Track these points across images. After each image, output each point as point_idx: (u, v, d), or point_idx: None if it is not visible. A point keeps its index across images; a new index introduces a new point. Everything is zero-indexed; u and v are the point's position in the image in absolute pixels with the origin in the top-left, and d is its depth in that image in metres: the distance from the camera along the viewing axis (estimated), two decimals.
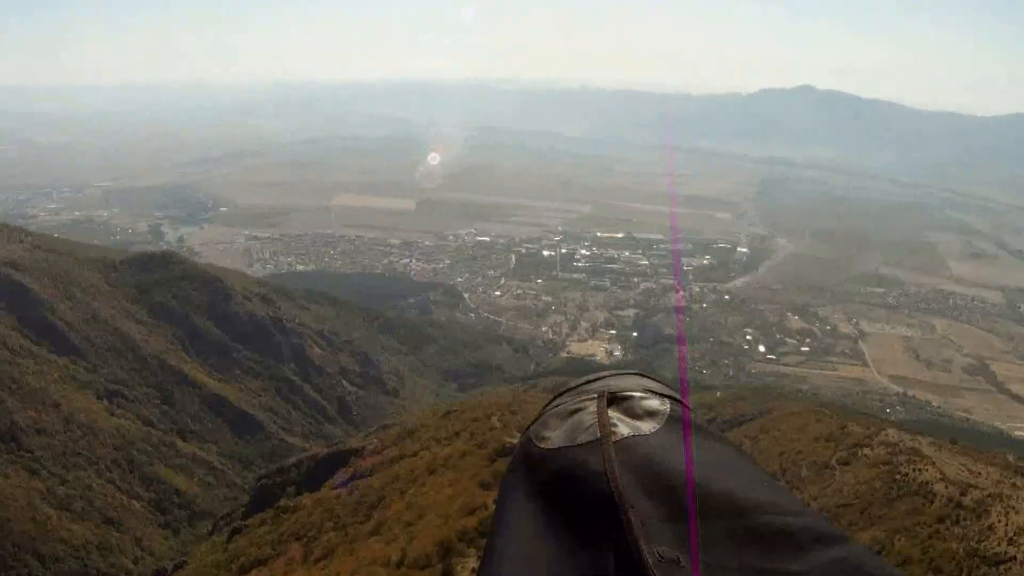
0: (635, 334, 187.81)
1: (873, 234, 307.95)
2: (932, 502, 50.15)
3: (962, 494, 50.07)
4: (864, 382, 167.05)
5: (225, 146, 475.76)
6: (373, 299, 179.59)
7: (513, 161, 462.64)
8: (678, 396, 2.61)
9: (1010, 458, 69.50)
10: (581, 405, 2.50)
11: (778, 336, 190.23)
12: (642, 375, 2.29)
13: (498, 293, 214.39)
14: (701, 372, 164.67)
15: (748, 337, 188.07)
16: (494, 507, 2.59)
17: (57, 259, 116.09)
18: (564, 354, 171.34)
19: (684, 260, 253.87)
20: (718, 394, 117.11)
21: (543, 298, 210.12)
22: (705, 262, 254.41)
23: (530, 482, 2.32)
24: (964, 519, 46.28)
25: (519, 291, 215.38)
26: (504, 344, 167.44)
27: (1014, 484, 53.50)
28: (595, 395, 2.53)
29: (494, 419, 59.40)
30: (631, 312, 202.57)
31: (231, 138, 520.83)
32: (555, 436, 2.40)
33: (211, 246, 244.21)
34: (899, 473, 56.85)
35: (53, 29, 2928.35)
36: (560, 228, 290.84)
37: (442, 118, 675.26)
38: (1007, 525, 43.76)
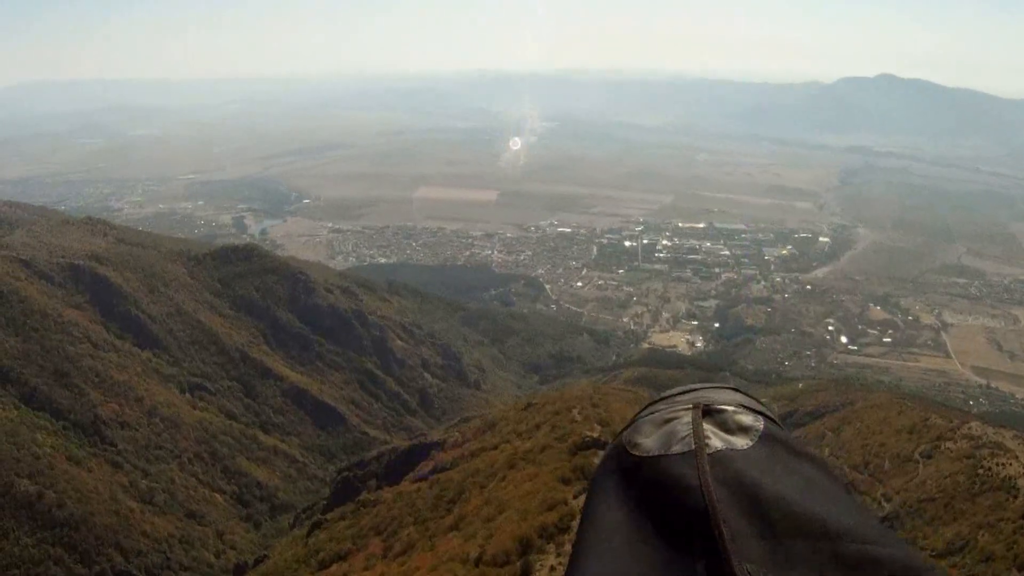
0: (716, 325, 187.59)
1: (955, 224, 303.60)
2: (1016, 498, 48.94)
3: None
4: (946, 374, 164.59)
5: (308, 138, 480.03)
6: (455, 291, 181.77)
7: (595, 152, 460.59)
8: (771, 413, 2.62)
9: None
10: (675, 415, 2.53)
11: (860, 327, 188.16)
12: (736, 390, 2.32)
13: (579, 284, 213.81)
14: (783, 363, 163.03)
15: (830, 328, 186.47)
16: (582, 507, 2.61)
17: (141, 253, 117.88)
18: (646, 345, 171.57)
19: (766, 250, 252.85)
20: (800, 385, 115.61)
21: (624, 289, 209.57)
22: (786, 252, 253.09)
23: (622, 487, 2.34)
24: None
25: (600, 282, 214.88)
26: (585, 335, 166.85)
27: None
28: (690, 405, 2.55)
29: (575, 412, 59.05)
30: (712, 303, 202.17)
31: (315, 130, 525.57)
32: (649, 444, 2.43)
33: (294, 238, 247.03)
34: (982, 467, 55.66)
35: (151, 24, 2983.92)
36: (642, 219, 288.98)
37: (525, 109, 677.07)
38: None
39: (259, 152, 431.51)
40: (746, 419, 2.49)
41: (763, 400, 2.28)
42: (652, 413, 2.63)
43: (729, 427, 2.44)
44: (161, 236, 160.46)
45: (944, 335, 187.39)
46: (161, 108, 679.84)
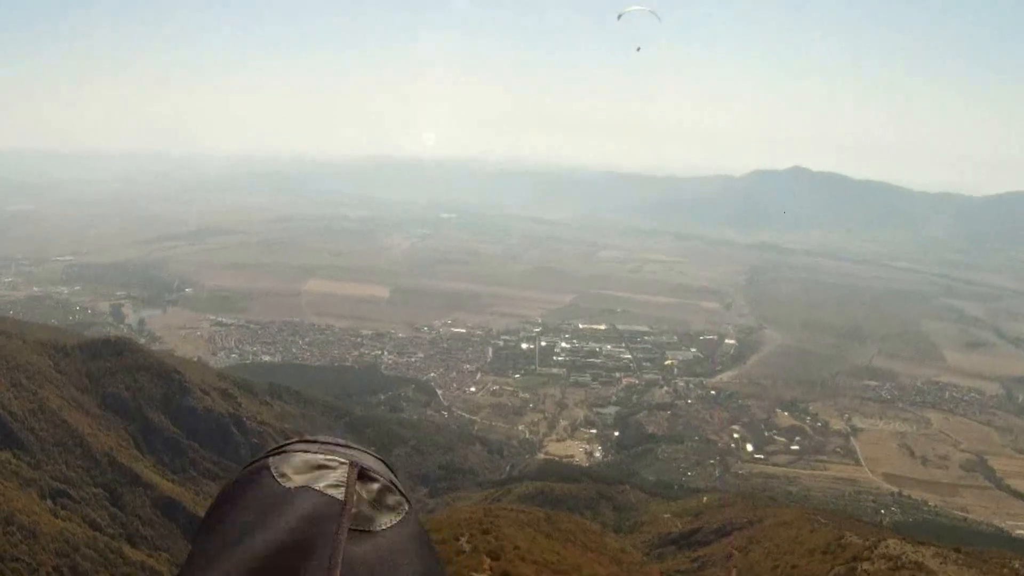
0: (616, 433, 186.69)
1: (866, 324, 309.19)
2: None
3: None
4: (857, 482, 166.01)
5: (193, 222, 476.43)
6: (342, 394, 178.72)
7: (493, 246, 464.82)
8: (412, 501, 2.75)
9: (1017, 566, 67.92)
10: (329, 463, 2.61)
11: (767, 433, 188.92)
12: (386, 464, 2.54)
13: (473, 389, 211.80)
14: (687, 473, 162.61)
15: (735, 435, 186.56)
16: (206, 514, 2.68)
17: (5, 341, 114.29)
18: (542, 455, 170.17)
19: (669, 353, 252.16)
20: (704, 499, 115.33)
21: (520, 394, 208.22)
22: (691, 355, 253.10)
23: (257, 509, 2.40)
24: None
25: (495, 387, 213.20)
26: (478, 445, 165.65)
27: None
28: (346, 461, 2.64)
29: (463, 540, 57.89)
30: (612, 409, 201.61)
31: (200, 213, 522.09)
32: (298, 479, 2.50)
33: (173, 331, 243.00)
34: None
35: (22, 92, 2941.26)
36: (540, 319, 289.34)
37: (417, 198, 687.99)
38: None
39: (142, 235, 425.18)
40: (394, 498, 2.60)
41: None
42: (306, 452, 2.68)
43: (375, 499, 2.55)
44: (28, 323, 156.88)
45: (854, 441, 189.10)
46: (40, 182, 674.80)
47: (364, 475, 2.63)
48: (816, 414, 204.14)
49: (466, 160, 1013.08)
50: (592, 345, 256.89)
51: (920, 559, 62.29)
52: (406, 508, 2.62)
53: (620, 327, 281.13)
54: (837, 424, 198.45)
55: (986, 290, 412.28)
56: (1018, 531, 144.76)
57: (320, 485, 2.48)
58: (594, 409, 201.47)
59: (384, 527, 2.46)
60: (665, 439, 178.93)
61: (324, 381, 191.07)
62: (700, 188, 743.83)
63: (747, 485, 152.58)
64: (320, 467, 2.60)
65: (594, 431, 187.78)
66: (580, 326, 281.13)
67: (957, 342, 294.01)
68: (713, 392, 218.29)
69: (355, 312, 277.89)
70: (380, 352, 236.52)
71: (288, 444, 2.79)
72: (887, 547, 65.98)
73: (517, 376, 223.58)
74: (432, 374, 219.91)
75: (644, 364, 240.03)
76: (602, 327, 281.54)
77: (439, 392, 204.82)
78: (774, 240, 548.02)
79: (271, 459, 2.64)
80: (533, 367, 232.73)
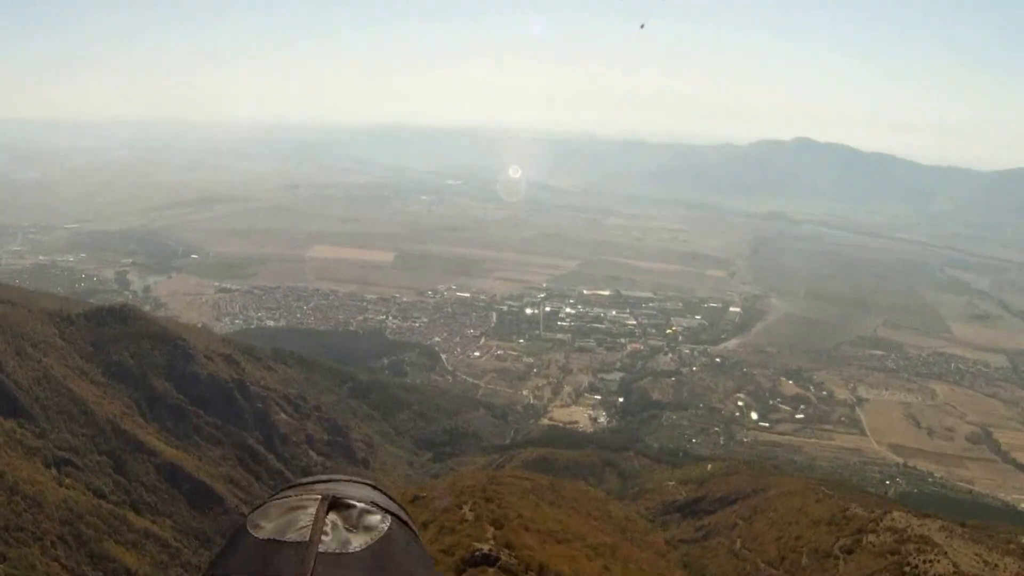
0: (621, 399, 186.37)
1: (871, 294, 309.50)
2: None
3: None
4: (862, 452, 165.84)
5: (201, 189, 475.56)
6: (345, 359, 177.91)
7: (499, 212, 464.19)
8: (405, 516, 2.85)
9: (1023, 539, 67.49)
10: (303, 503, 2.70)
11: (771, 402, 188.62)
12: (375, 487, 2.90)
13: (477, 354, 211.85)
14: (691, 441, 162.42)
15: (740, 403, 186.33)
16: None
17: (10, 310, 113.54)
18: (546, 420, 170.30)
19: (674, 320, 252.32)
20: (709, 467, 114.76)
21: (525, 359, 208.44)
22: (696, 322, 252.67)
23: (236, 565, 2.53)
24: None
25: (499, 352, 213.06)
26: (482, 409, 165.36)
27: None
28: (319, 496, 2.71)
29: (466, 509, 57.53)
30: (617, 375, 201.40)
31: (208, 181, 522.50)
32: (269, 527, 2.60)
33: (178, 297, 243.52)
34: (908, 564, 54.74)
35: (40, 62, 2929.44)
36: (545, 284, 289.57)
37: (430, 164, 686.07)
38: None
39: (148, 202, 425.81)
40: (373, 518, 2.64)
41: (398, 500, 2.66)
42: (285, 498, 2.79)
43: (353, 523, 2.60)
44: (34, 292, 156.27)
45: (859, 411, 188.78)
46: (48, 151, 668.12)
47: (338, 504, 2.69)
48: (821, 383, 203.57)
49: (476, 128, 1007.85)
50: (597, 311, 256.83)
51: (926, 532, 61.78)
52: (386, 525, 2.66)
53: (625, 293, 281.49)
54: (842, 394, 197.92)
55: (993, 263, 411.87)
56: None
57: (290, 530, 2.57)
58: (599, 375, 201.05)
59: (359, 548, 2.51)
60: (670, 406, 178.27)
61: (328, 346, 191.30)
62: (706, 157, 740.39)
63: (751, 453, 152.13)
64: (293, 509, 2.69)
65: (598, 397, 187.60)
66: (585, 292, 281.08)
67: (963, 314, 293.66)
68: (718, 360, 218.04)
69: (360, 277, 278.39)
70: (384, 317, 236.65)
71: (274, 494, 2.89)
72: (892, 520, 65.50)
73: (521, 341, 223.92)
74: (436, 338, 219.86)
75: (649, 330, 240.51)
76: (607, 293, 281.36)
77: (443, 356, 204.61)
78: (780, 209, 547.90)
79: (251, 514, 2.75)
80: (537, 332, 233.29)
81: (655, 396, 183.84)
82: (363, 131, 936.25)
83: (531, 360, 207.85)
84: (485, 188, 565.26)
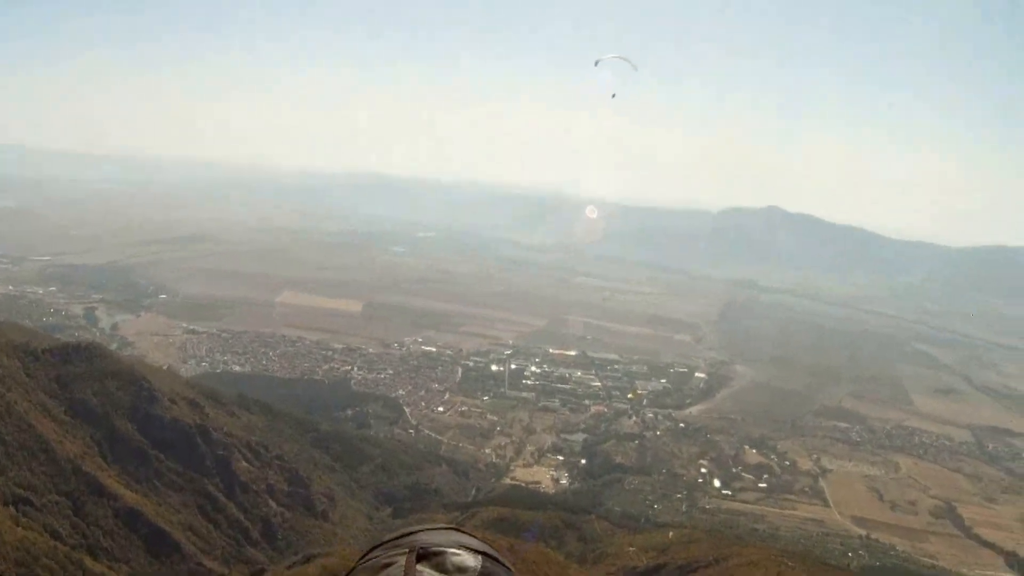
0: (583, 461, 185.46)
1: (837, 365, 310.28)
2: None
3: None
4: (825, 523, 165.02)
5: (178, 228, 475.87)
6: (309, 408, 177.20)
7: (469, 267, 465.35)
8: (492, 552, 2.84)
9: None
10: (392, 559, 2.69)
11: (735, 470, 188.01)
12: (458, 530, 2.47)
13: (441, 409, 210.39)
14: (653, 506, 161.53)
15: (703, 470, 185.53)
16: None
17: None
18: (508, 479, 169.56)
19: (639, 383, 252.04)
20: (670, 534, 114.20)
21: (488, 417, 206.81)
22: (661, 386, 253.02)
23: None
24: None
25: (464, 408, 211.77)
26: (444, 466, 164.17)
27: None
28: (406, 550, 2.71)
29: None
30: (580, 437, 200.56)
31: (185, 220, 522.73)
32: None
33: (146, 337, 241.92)
34: None
35: (24, 89, 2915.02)
36: (511, 342, 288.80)
37: (405, 216, 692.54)
38: None
39: (123, 238, 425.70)
40: (465, 560, 2.63)
41: (485, 539, 2.64)
42: (370, 559, 2.78)
43: (446, 569, 2.58)
44: (1, 323, 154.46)
45: (823, 482, 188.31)
46: (26, 179, 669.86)
47: (426, 554, 2.66)
48: (785, 452, 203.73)
49: (453, 182, 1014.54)
50: (562, 371, 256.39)
51: None
52: (479, 564, 2.64)
53: (591, 354, 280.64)
54: (805, 464, 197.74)
55: (958, 338, 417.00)
56: None
57: None
58: (562, 435, 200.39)
59: None
60: (632, 470, 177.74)
61: (293, 394, 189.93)
62: (677, 221, 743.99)
63: (713, 521, 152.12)
64: (384, 567, 2.69)
65: (561, 458, 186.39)
66: (551, 351, 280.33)
67: (928, 387, 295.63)
68: (682, 425, 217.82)
69: (327, 325, 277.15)
70: (350, 367, 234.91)
71: (360, 559, 2.87)
72: None
73: (486, 398, 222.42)
74: (401, 391, 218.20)
75: (614, 393, 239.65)
76: (573, 353, 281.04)
77: (407, 410, 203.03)
78: (748, 277, 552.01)
79: None
80: (502, 390, 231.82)
81: (618, 459, 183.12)
82: (342, 178, 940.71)
83: (495, 418, 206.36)
84: (458, 241, 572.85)
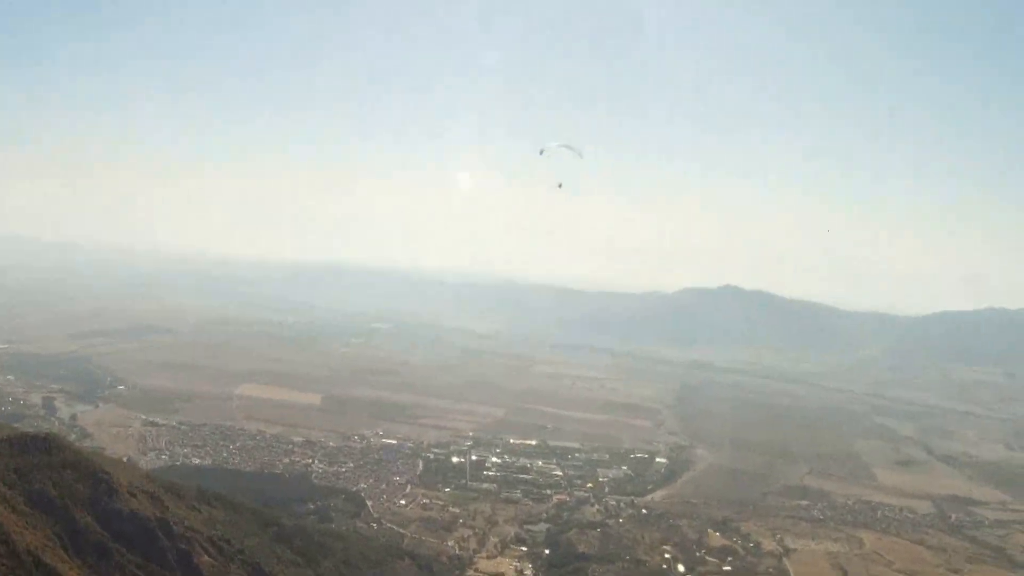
0: (547, 551, 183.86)
1: (797, 443, 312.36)
2: None
3: None
4: None
5: (129, 319, 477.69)
6: (270, 502, 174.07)
7: (426, 357, 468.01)
8: None
9: None
10: None
11: (698, 554, 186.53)
12: None
13: (403, 502, 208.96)
14: None
15: (667, 555, 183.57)
16: None
17: None
18: (471, 572, 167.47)
19: (600, 470, 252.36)
20: None
21: (451, 509, 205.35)
22: (622, 473, 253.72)
23: None
24: None
25: (425, 500, 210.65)
26: (407, 559, 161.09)
27: None
28: None
29: None
30: (543, 527, 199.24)
31: (137, 311, 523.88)
32: None
33: (105, 428, 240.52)
34: None
35: None
36: (471, 433, 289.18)
37: (359, 306, 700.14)
38: None
39: (76, 327, 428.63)
40: None
41: None
42: None
43: None
44: None
45: (787, 561, 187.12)
46: None
47: None
48: (748, 534, 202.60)
49: (401, 270, 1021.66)
50: (523, 461, 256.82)
51: None
52: None
53: (551, 443, 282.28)
54: (769, 544, 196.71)
55: (916, 408, 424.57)
56: None
57: None
58: (525, 526, 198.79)
59: None
60: (596, 558, 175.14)
61: (254, 487, 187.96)
62: (632, 304, 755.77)
63: None
64: None
65: (525, 549, 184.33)
66: (511, 441, 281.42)
67: (888, 460, 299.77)
68: (644, 511, 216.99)
69: (287, 419, 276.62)
70: (311, 460, 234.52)
71: None
72: None
73: (447, 490, 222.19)
74: (362, 484, 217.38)
75: (575, 481, 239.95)
76: (533, 443, 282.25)
77: (369, 503, 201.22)
78: (706, 358, 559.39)
79: None
80: (464, 481, 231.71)
81: (581, 548, 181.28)
82: (291, 268, 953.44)
83: (457, 510, 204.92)
84: (412, 332, 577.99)
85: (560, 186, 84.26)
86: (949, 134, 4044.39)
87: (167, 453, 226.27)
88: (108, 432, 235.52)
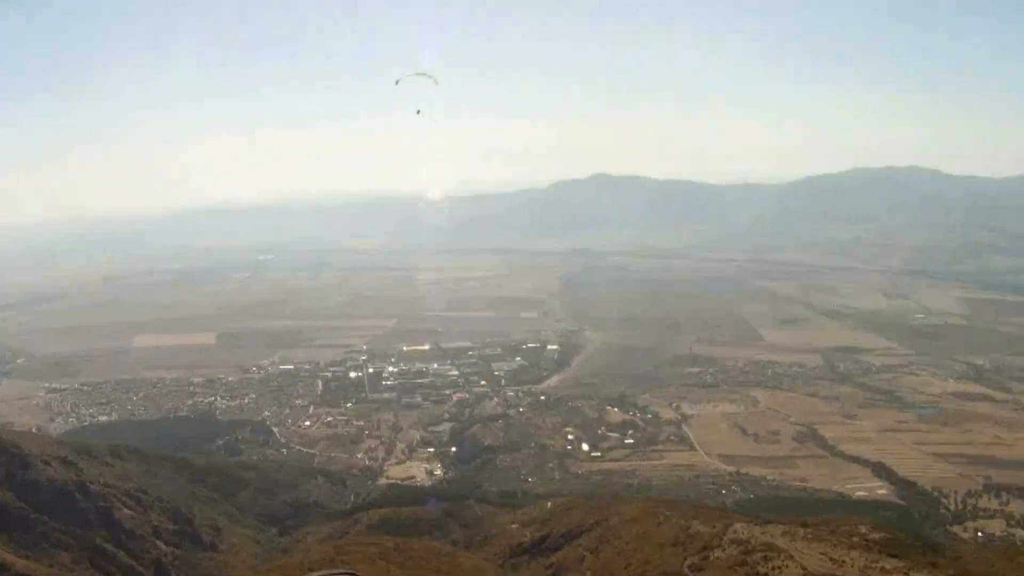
0: (454, 449, 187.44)
1: (683, 314, 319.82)
2: None
3: None
4: (695, 467, 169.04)
5: (20, 291, 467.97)
6: (181, 445, 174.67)
7: (312, 282, 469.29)
8: None
9: (863, 530, 70.48)
10: None
11: (600, 431, 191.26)
12: (350, 573, 2.79)
13: (308, 423, 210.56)
14: (527, 480, 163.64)
15: (570, 437, 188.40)
16: None
17: None
18: (384, 480, 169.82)
19: (495, 365, 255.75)
20: (548, 505, 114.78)
21: (355, 423, 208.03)
22: (517, 364, 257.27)
23: None
24: None
25: (329, 419, 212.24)
26: (320, 478, 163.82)
27: (883, 569, 53.80)
28: None
29: None
30: (446, 426, 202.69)
31: (30, 282, 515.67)
32: None
33: (9, 403, 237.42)
34: (758, 574, 56.26)
35: None
36: (365, 347, 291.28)
37: (233, 243, 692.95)
38: None
39: None
40: None
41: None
42: None
43: None
44: None
45: (686, 427, 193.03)
46: None
47: None
48: (646, 406, 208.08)
49: (277, 201, 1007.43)
50: (419, 366, 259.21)
51: (769, 539, 63.47)
52: None
53: (444, 346, 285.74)
54: (667, 413, 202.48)
55: (796, 269, 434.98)
56: (858, 493, 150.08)
57: None
58: (429, 428, 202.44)
59: None
60: (502, 449, 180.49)
61: (163, 434, 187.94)
62: (508, 203, 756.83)
63: (588, 484, 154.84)
64: None
65: (432, 450, 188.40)
66: (405, 349, 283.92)
67: (773, 320, 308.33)
68: (543, 398, 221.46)
69: (185, 362, 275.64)
70: (213, 398, 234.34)
71: None
72: (735, 532, 67.13)
73: (349, 405, 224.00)
74: (266, 413, 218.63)
75: (472, 379, 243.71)
76: (427, 347, 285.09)
77: (275, 430, 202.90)
78: (584, 245, 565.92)
79: None
80: (364, 395, 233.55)
81: (486, 441, 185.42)
82: (165, 217, 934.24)
83: (361, 423, 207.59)
84: (294, 259, 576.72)
85: (419, 112, 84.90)
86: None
87: (74, 416, 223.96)
88: (13, 405, 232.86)
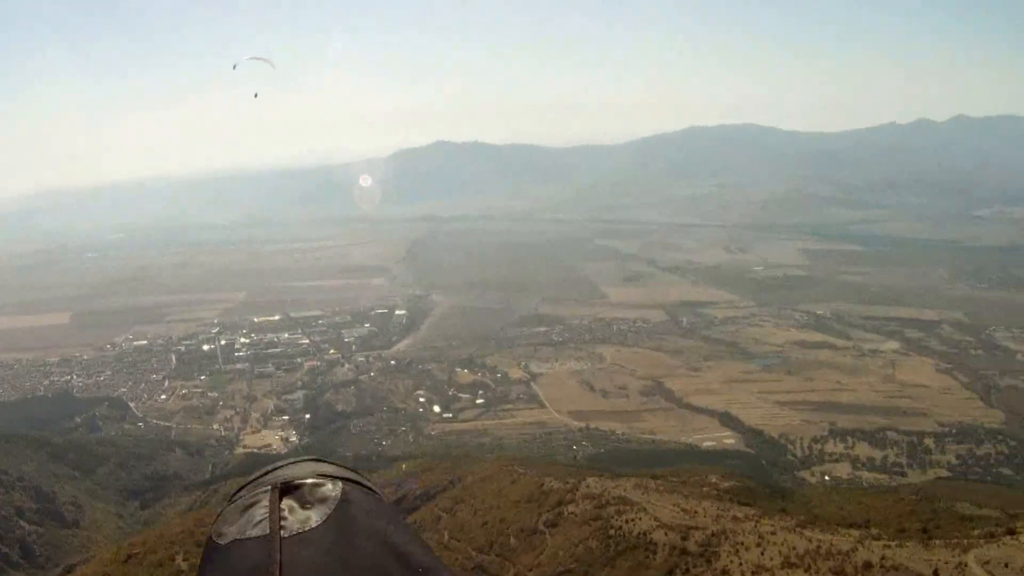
0: (308, 416, 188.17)
1: (527, 276, 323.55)
2: (655, 553, 51.67)
3: (684, 539, 51.94)
4: (545, 424, 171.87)
5: None
6: (40, 425, 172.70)
7: (163, 259, 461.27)
8: (353, 475, 2.86)
9: (714, 479, 73.70)
10: (256, 498, 2.62)
11: (451, 393, 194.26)
12: (318, 460, 2.92)
13: (164, 397, 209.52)
14: (382, 444, 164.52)
15: (421, 399, 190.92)
16: None
17: None
18: (240, 449, 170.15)
19: (344, 332, 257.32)
20: (403, 466, 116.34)
21: (209, 394, 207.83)
22: (366, 330, 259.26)
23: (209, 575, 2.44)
24: (694, 566, 48.47)
25: (184, 391, 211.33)
26: (178, 450, 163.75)
27: (735, 517, 56.52)
28: (268, 487, 2.65)
29: (179, 560, 58.55)
30: (300, 394, 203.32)
31: None
32: (231, 530, 2.49)
33: None
34: (613, 527, 57.92)
35: None
36: (217, 320, 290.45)
37: (83, 224, 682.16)
38: (741, 565, 46.10)
39: None
40: (324, 489, 2.59)
41: (344, 464, 2.44)
42: (238, 499, 2.71)
43: (307, 501, 2.53)
44: None
45: (535, 386, 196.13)
46: None
47: (289, 488, 2.66)
48: (495, 367, 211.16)
49: (123, 182, 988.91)
50: (270, 336, 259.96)
51: (622, 493, 65.23)
52: (338, 491, 2.66)
53: (294, 315, 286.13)
54: (516, 373, 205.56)
55: (637, 227, 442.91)
56: (706, 443, 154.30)
57: (250, 527, 2.50)
58: (282, 397, 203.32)
59: (319, 521, 2.48)
60: (355, 414, 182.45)
61: (20, 415, 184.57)
62: (350, 173, 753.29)
63: (441, 445, 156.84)
64: (248, 507, 2.63)
65: (286, 418, 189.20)
66: (256, 320, 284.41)
67: (616, 278, 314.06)
68: (393, 362, 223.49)
69: (39, 342, 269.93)
70: (69, 376, 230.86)
71: (228, 500, 2.87)
72: (588, 487, 68.80)
73: (203, 377, 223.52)
74: (123, 389, 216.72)
75: (323, 346, 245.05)
76: (277, 318, 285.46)
77: (132, 405, 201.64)
78: (428, 212, 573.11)
79: (212, 526, 2.68)
80: (217, 366, 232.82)
81: (340, 407, 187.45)
82: (16, 199, 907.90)
83: (215, 394, 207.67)
84: (146, 237, 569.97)
85: (256, 96, 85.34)
86: None
87: None
88: None
